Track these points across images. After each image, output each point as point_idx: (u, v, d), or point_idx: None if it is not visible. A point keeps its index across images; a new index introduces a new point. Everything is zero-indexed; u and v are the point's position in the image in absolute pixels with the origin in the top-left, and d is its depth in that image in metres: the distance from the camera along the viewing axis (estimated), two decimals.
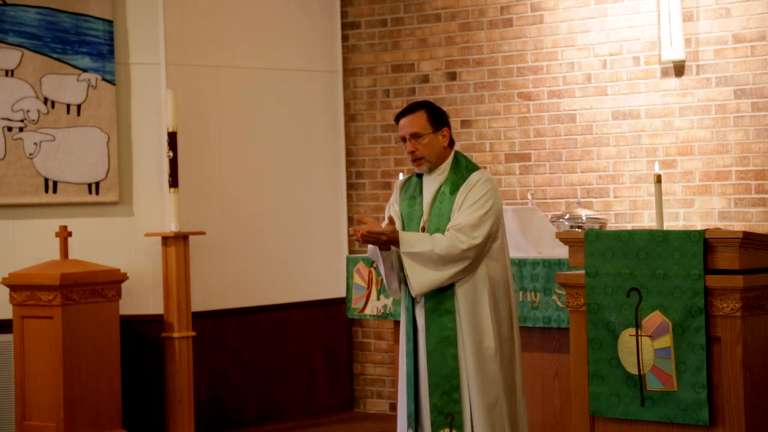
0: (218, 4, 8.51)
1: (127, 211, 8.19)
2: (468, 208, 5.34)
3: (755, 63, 7.29)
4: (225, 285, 8.46)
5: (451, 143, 5.55)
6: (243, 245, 8.55)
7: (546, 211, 7.78)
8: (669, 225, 7.39)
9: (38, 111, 7.97)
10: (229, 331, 8.49)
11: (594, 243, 5.12)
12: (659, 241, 4.95)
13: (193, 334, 7.96)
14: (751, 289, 4.83)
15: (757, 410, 4.85)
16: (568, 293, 5.24)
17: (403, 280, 5.45)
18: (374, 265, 7.27)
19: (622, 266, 5.04)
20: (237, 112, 8.58)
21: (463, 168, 5.48)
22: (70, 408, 7.42)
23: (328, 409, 8.96)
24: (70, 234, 7.76)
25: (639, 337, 4.97)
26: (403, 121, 5.50)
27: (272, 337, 8.70)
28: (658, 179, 5.78)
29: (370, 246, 5.49)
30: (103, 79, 8.11)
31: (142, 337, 8.11)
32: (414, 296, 5.42)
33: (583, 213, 7.33)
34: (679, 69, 7.55)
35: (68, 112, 8.05)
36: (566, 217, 7.27)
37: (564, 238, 5.36)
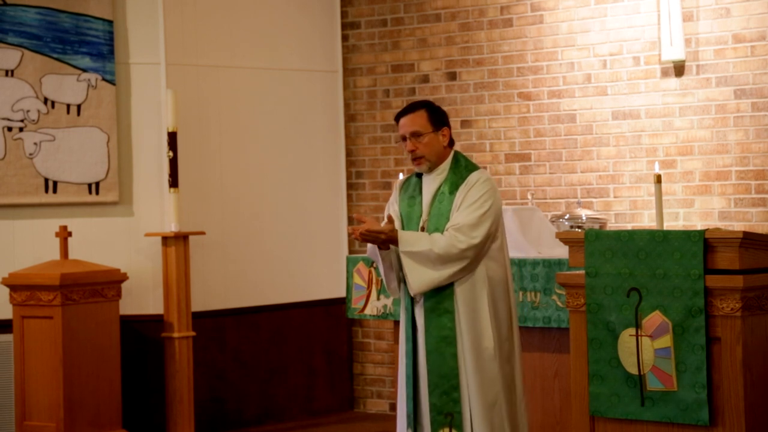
0: (218, 4, 8.51)
1: (127, 211, 8.19)
2: (467, 208, 5.34)
3: (755, 63, 7.29)
4: (225, 285, 8.46)
5: (451, 143, 5.56)
6: (243, 245, 8.55)
7: (546, 211, 7.78)
8: (669, 225, 7.38)
9: (38, 111, 7.98)
10: (229, 331, 8.49)
11: (594, 243, 5.12)
12: (659, 241, 4.95)
13: (193, 334, 7.96)
14: (751, 289, 4.83)
15: (757, 410, 4.85)
16: (568, 293, 5.24)
17: (403, 280, 5.45)
18: (374, 265, 7.27)
19: (622, 266, 5.04)
20: (237, 112, 8.58)
21: (462, 168, 5.48)
22: (70, 408, 7.42)
23: (328, 409, 8.96)
24: (70, 234, 7.76)
25: (639, 337, 4.97)
26: (403, 120, 5.50)
27: (272, 337, 8.70)
28: (658, 179, 5.78)
29: (369, 245, 5.49)
30: (103, 79, 8.11)
31: (142, 337, 8.11)
32: (412, 295, 5.42)
33: (583, 213, 7.33)
34: (679, 69, 7.55)
35: (68, 112, 8.05)
36: (566, 217, 7.27)
37: (564, 238, 5.36)
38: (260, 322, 8.63)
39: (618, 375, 5.04)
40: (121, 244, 8.11)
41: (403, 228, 5.50)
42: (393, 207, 5.61)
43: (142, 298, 8.10)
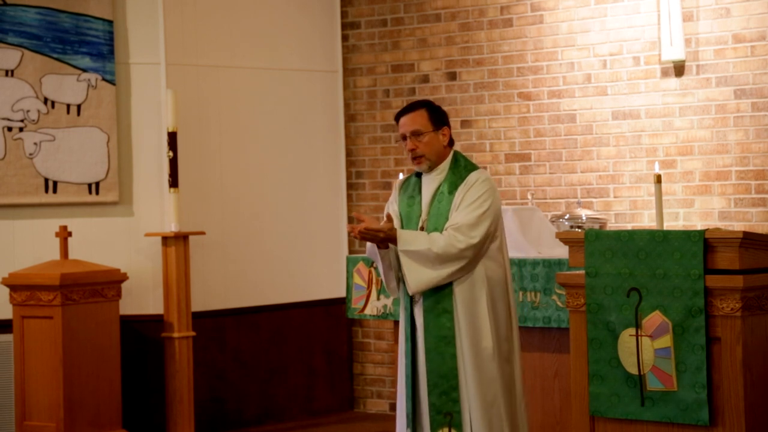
0: (218, 4, 8.51)
1: (127, 211, 8.19)
2: (466, 208, 5.34)
3: (755, 63, 7.29)
4: (225, 285, 8.46)
5: (451, 143, 5.56)
6: (243, 245, 8.55)
7: (546, 211, 7.78)
8: (669, 225, 7.38)
9: (38, 111, 7.98)
10: (229, 331, 8.49)
11: (594, 243, 5.12)
12: (659, 241, 4.95)
13: (193, 334, 7.96)
14: (751, 289, 4.83)
15: (757, 410, 4.85)
16: (568, 293, 5.24)
17: (402, 279, 5.45)
18: (374, 265, 7.27)
19: (622, 266, 5.04)
20: (237, 112, 8.58)
21: (461, 168, 5.48)
22: (70, 408, 7.42)
23: (328, 409, 8.96)
24: (70, 234, 7.76)
25: (639, 337, 4.97)
26: (403, 119, 5.50)
27: (272, 337, 8.70)
28: (658, 179, 5.78)
29: (368, 244, 5.50)
30: (103, 79, 8.11)
31: (142, 337, 8.11)
32: (411, 294, 5.42)
33: (583, 213, 7.33)
34: (679, 69, 7.55)
35: (68, 112, 8.05)
36: (566, 217, 7.27)
37: (564, 238, 5.36)
38: (260, 322, 8.63)
39: (618, 375, 5.04)
40: (121, 244, 8.11)
41: (402, 228, 5.50)
42: (392, 206, 5.61)
43: (142, 298, 8.10)
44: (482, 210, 5.35)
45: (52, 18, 8.01)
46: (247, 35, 8.64)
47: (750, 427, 4.80)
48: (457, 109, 8.46)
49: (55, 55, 8.02)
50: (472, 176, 5.42)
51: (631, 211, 7.75)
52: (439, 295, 5.38)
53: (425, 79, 8.69)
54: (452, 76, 8.56)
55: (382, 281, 5.75)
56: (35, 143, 7.96)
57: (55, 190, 8.00)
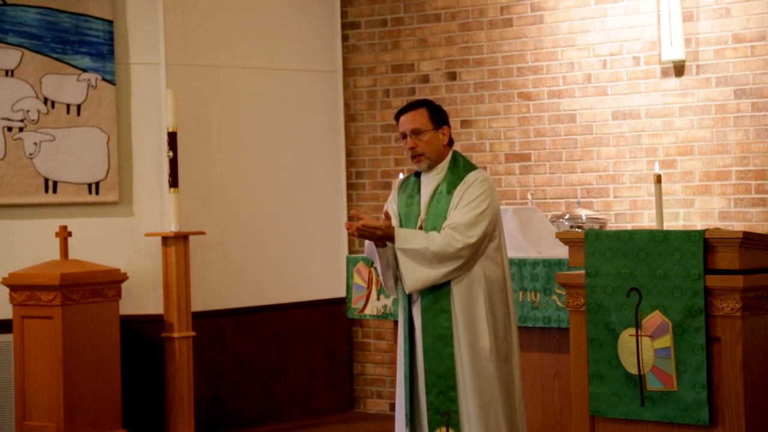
0: (218, 4, 8.52)
1: (127, 211, 8.19)
2: (464, 207, 5.34)
3: (755, 63, 7.29)
4: (225, 285, 8.46)
5: (450, 142, 5.56)
6: (243, 245, 8.55)
7: (546, 211, 7.78)
8: (669, 225, 7.39)
9: (38, 111, 7.98)
10: (229, 331, 8.49)
11: (594, 243, 5.12)
12: (659, 241, 4.95)
13: (193, 334, 7.96)
14: (751, 289, 4.83)
15: (757, 410, 4.85)
16: (568, 293, 5.24)
17: (399, 278, 5.45)
18: (374, 265, 7.26)
19: (622, 266, 5.04)
20: (237, 112, 8.58)
21: (460, 167, 5.48)
22: (70, 408, 7.42)
23: (328, 409, 8.96)
24: (70, 234, 7.76)
25: (639, 337, 4.97)
26: (403, 118, 5.50)
27: (272, 337, 8.70)
28: (658, 179, 5.78)
29: (366, 243, 5.50)
30: (103, 79, 8.11)
31: (142, 337, 8.11)
32: (408, 293, 5.42)
33: (583, 213, 7.33)
34: (679, 69, 7.55)
35: (68, 112, 8.05)
36: (566, 217, 7.27)
37: (564, 238, 5.36)
38: (260, 322, 8.63)
39: (618, 375, 5.04)
40: (121, 244, 8.11)
41: (401, 227, 5.50)
42: (391, 206, 5.61)
43: (142, 298, 8.10)
44: (480, 210, 5.34)
45: (52, 18, 8.01)
46: (247, 35, 8.64)
47: (750, 427, 4.80)
48: (457, 109, 8.46)
49: (55, 55, 8.02)
50: (471, 176, 5.42)
51: (631, 211, 7.76)
52: (436, 294, 5.38)
53: (425, 79, 8.69)
54: (452, 76, 8.56)
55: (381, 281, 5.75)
56: (35, 143, 7.96)
57: (55, 190, 8.00)
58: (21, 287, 7.52)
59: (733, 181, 7.37)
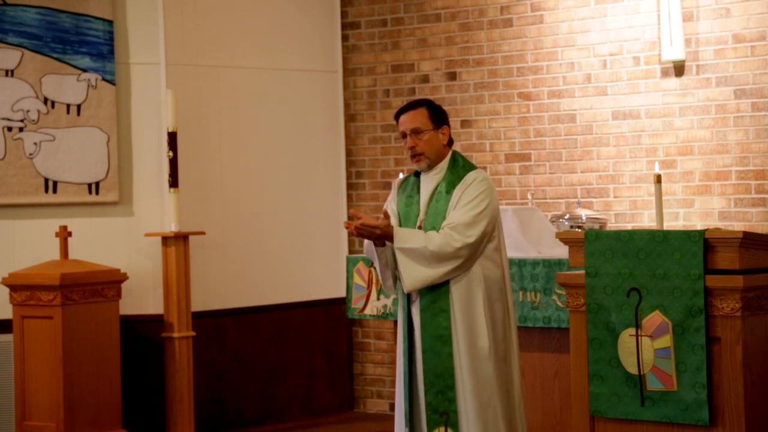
0: (218, 4, 8.52)
1: (127, 211, 8.19)
2: (463, 207, 5.34)
3: (755, 63, 7.29)
4: (225, 285, 8.46)
5: (450, 142, 5.56)
6: (243, 245, 8.55)
7: (546, 211, 7.78)
8: (669, 225, 7.38)
9: (38, 111, 7.98)
10: (229, 331, 8.49)
11: (594, 243, 5.12)
12: (659, 241, 4.95)
13: (193, 334, 7.96)
14: (751, 289, 4.83)
15: (757, 410, 4.85)
16: (568, 293, 5.24)
17: (398, 277, 5.46)
18: (374, 265, 7.26)
19: (622, 266, 5.04)
20: (237, 112, 8.58)
21: (460, 167, 5.48)
22: (70, 408, 7.42)
23: (328, 409, 8.96)
24: (70, 234, 7.76)
25: (639, 337, 4.97)
26: (403, 117, 5.50)
27: (272, 337, 8.70)
28: (658, 179, 5.77)
29: (366, 243, 5.50)
30: (103, 79, 8.11)
31: (142, 337, 8.11)
32: (406, 292, 5.42)
33: (583, 213, 7.33)
34: (679, 69, 7.55)
35: (68, 112, 8.05)
36: (566, 217, 7.27)
37: (564, 238, 5.36)
38: (260, 322, 8.63)
39: (618, 375, 5.04)
40: (121, 244, 8.11)
41: (400, 227, 5.50)
42: (390, 206, 5.61)
43: (142, 298, 8.10)
44: (479, 209, 5.34)
45: (52, 18, 8.01)
46: (247, 35, 8.64)
47: (750, 427, 4.80)
48: (457, 109, 8.46)
49: (55, 55, 8.02)
50: (470, 176, 5.42)
51: (631, 211, 7.76)
52: (435, 294, 5.37)
53: (425, 79, 8.69)
54: (452, 76, 8.56)
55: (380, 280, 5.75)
56: (35, 143, 7.96)
57: (55, 190, 8.00)
58: (21, 287, 7.52)
59: (733, 181, 7.37)
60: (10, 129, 7.91)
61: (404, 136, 5.49)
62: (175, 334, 7.88)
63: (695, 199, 7.51)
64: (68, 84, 8.04)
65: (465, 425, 5.33)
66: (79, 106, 8.06)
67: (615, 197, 7.82)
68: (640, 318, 4.98)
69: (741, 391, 4.79)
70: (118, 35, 8.18)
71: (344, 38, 9.10)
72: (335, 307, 8.95)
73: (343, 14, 9.10)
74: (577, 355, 5.19)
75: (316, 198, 8.95)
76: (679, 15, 7.43)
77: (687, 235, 4.89)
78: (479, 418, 5.31)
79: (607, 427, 5.11)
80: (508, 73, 8.27)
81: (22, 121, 7.93)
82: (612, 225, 7.68)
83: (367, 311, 7.49)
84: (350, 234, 5.41)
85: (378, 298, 7.44)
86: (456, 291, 5.36)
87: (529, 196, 7.75)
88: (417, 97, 8.55)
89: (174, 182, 7.96)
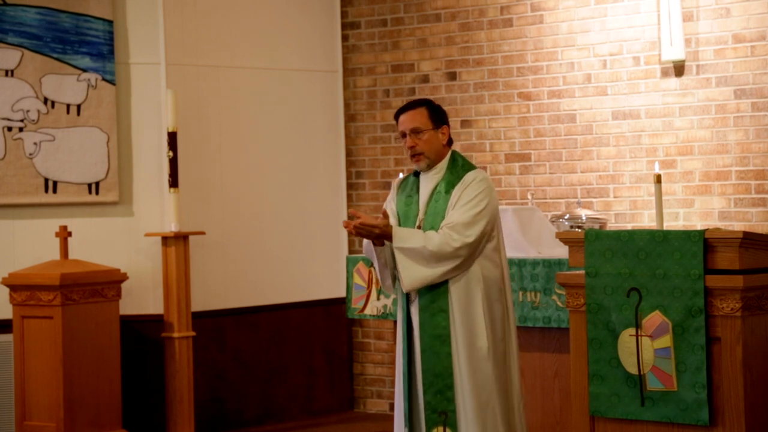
0: (218, 4, 8.52)
1: (127, 211, 8.19)
2: (462, 207, 5.34)
3: (755, 63, 7.29)
4: (225, 285, 8.46)
5: (450, 142, 5.56)
6: (243, 245, 8.55)
7: (546, 211, 7.78)
8: (669, 225, 7.39)
9: (38, 111, 7.98)
10: (229, 331, 8.49)
11: (594, 243, 5.12)
12: (659, 241, 4.95)
13: (193, 334, 7.96)
14: (751, 289, 4.83)
15: (757, 410, 4.85)
16: (568, 293, 5.24)
17: (397, 277, 5.45)
18: (373, 265, 7.27)
19: (622, 266, 5.04)
20: (237, 112, 8.58)
21: (459, 167, 5.48)
22: (70, 408, 7.42)
23: (328, 409, 8.96)
24: (70, 234, 7.76)
25: (639, 337, 4.97)
26: (403, 117, 5.50)
27: (272, 337, 8.70)
28: (658, 179, 5.77)
29: (365, 242, 5.50)
30: (103, 79, 8.11)
31: (142, 337, 8.11)
32: (405, 291, 5.42)
33: (583, 213, 7.33)
34: (679, 69, 7.55)
35: (68, 112, 8.05)
36: (566, 217, 7.27)
37: (564, 238, 5.36)
38: (260, 322, 8.63)
39: (618, 375, 5.04)
40: (121, 244, 8.11)
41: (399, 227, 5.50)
42: (390, 205, 5.61)
43: (142, 298, 8.10)
44: (478, 209, 5.34)
45: (52, 18, 8.01)
46: (247, 35, 8.64)
47: (750, 427, 4.80)
48: (457, 109, 8.46)
49: (55, 55, 8.02)
50: (469, 175, 5.42)
51: (631, 211, 7.76)
52: (434, 293, 5.37)
53: (425, 79, 8.69)
54: (452, 76, 8.56)
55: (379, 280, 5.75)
56: (35, 143, 7.96)
57: (55, 190, 8.00)
58: (21, 287, 7.53)
59: (733, 181, 7.37)
60: (10, 129, 7.91)
61: (404, 135, 5.49)
62: (175, 334, 7.88)
63: (695, 199, 7.51)
64: (68, 84, 8.04)
65: (464, 425, 5.32)
66: (79, 106, 8.06)
67: (615, 197, 7.82)
68: (640, 318, 4.98)
69: (741, 391, 4.79)
70: (118, 35, 8.18)
71: (344, 38, 9.10)
72: (335, 307, 8.95)
73: (343, 14, 9.10)
74: (577, 355, 5.19)
75: (316, 198, 8.95)
76: (679, 15, 7.43)
77: (687, 235, 4.89)
78: (478, 418, 5.31)
79: (607, 427, 5.11)
80: (508, 73, 8.27)
81: (22, 121, 7.94)
82: (612, 225, 7.68)
83: (367, 311, 7.49)
84: (349, 233, 5.40)
85: (378, 298, 7.44)
86: (455, 291, 5.35)
87: (529, 196, 7.75)
88: (417, 97, 8.55)
89: (174, 182, 7.96)
